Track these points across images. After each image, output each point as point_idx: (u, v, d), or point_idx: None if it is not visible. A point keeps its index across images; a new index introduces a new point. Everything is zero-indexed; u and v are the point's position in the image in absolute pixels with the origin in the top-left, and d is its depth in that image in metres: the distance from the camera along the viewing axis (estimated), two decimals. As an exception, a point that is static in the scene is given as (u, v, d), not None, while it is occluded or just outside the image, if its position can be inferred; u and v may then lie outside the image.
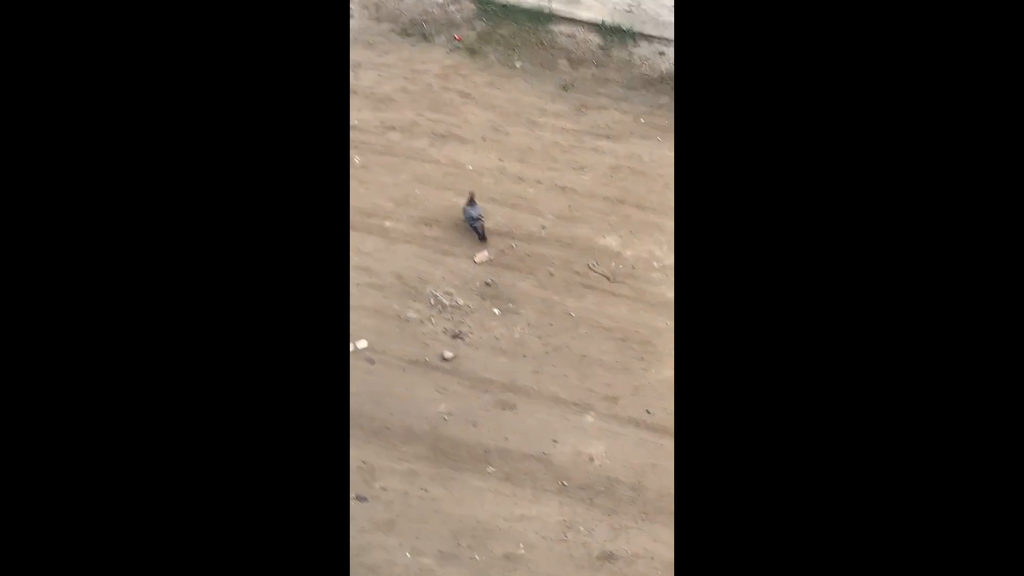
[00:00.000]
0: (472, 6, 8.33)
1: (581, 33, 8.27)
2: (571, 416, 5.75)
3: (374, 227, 6.86)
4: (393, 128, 7.69)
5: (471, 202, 6.78)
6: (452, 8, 8.32)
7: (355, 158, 7.41)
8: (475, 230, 6.76)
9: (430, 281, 6.51)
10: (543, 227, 6.88)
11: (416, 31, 8.35)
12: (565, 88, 7.93)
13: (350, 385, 5.82)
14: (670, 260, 6.60)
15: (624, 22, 8.24)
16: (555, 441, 5.61)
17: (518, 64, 8.22)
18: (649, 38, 8.19)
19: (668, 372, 5.95)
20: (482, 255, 6.68)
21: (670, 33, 8.15)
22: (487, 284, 6.49)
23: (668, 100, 7.76)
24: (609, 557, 5.11)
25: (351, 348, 6.04)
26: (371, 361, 5.99)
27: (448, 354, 6.04)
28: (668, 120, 7.61)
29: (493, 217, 6.93)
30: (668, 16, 8.03)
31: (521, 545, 5.13)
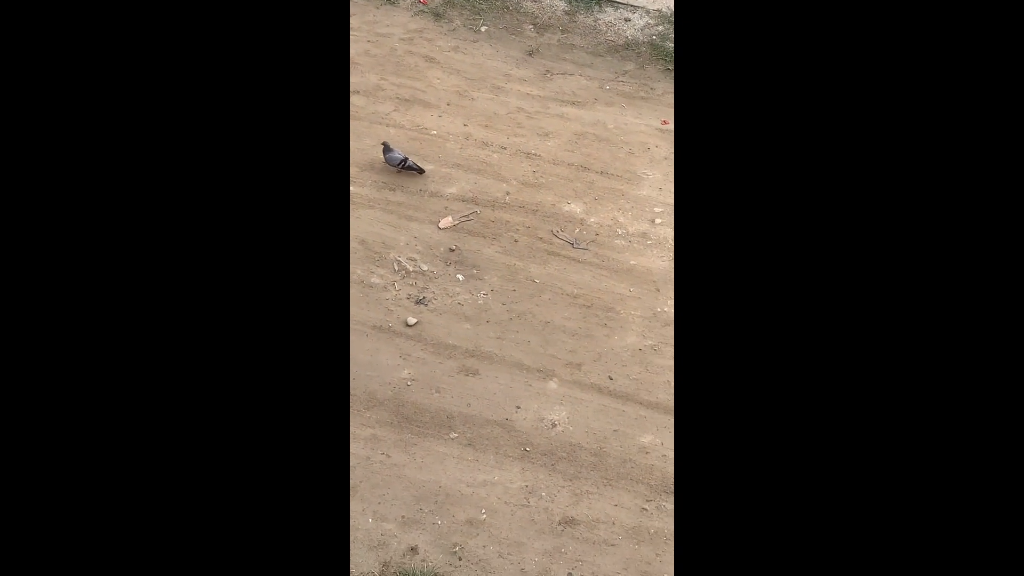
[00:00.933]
0: (437, -31, 8.25)
1: (547, -2, 8.22)
2: (534, 382, 5.77)
3: (337, 192, 6.82)
4: (357, 92, 7.62)
5: (387, 149, 6.86)
6: (417, -29, 8.24)
7: (318, 122, 7.34)
8: (411, 168, 6.89)
9: (394, 247, 6.49)
10: (507, 193, 6.86)
11: (381, -6, 8.27)
12: (530, 53, 7.89)
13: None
14: (633, 227, 6.62)
15: (590, -13, 8.20)
16: (518, 407, 5.63)
17: (483, 29, 8.16)
18: (615, 4, 8.16)
19: (631, 339, 5.98)
20: (446, 221, 6.66)
21: (636, 0, 8.13)
22: (451, 250, 6.48)
23: (633, 67, 7.74)
24: (571, 522, 5.15)
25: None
26: (334, 327, 5.98)
27: (411, 320, 6.04)
28: (632, 87, 7.60)
29: (458, 183, 6.90)
30: (634, -18, 8.00)
31: (483, 510, 5.16)
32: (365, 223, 6.62)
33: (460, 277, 6.33)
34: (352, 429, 5.44)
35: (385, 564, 4.89)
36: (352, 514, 5.06)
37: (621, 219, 6.68)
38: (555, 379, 5.79)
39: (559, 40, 7.99)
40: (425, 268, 6.37)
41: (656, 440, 5.50)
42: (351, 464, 5.28)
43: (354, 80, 7.71)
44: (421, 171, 6.91)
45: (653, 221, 6.66)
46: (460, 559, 4.94)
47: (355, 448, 5.36)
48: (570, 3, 8.13)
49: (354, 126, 7.33)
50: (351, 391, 5.62)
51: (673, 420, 5.39)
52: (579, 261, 6.43)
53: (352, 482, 5.20)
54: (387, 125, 7.35)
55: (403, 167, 6.85)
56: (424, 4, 8.24)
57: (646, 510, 5.21)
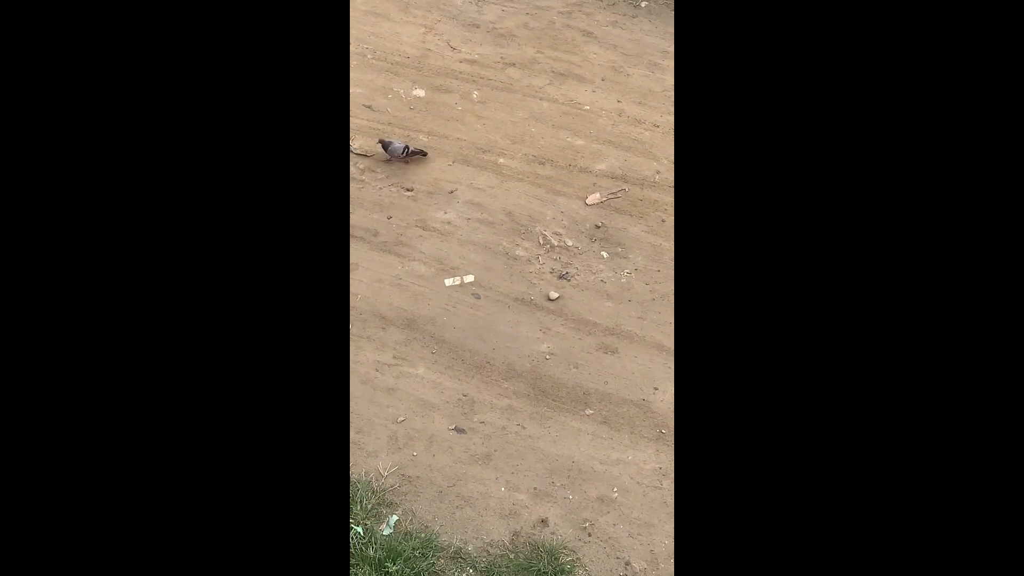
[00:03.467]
0: (600, -58, 8.19)
1: (710, -26, 8.07)
2: (673, 364, 5.70)
3: (488, 163, 6.87)
4: (513, 64, 7.65)
5: (386, 144, 6.81)
6: (579, -56, 8.19)
7: (473, 93, 7.40)
8: (416, 154, 6.84)
9: (540, 220, 6.50)
10: (657, 172, 6.78)
11: (541, -34, 8.26)
12: (690, 31, 7.75)
13: (454, 318, 5.88)
14: (786, 213, 6.45)
15: (756, -36, 7.99)
16: (656, 388, 5.58)
17: (643, 4, 8.06)
18: (781, -18, 7.94)
19: (776, 327, 5.85)
20: (594, 197, 6.63)
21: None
22: (597, 227, 6.45)
23: (796, 47, 7.52)
24: (703, 507, 5.09)
25: (459, 282, 6.10)
26: (477, 296, 6.04)
27: (554, 294, 6.04)
28: (795, 68, 7.39)
29: (607, 159, 6.85)
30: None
31: (615, 489, 5.14)
32: (513, 195, 6.65)
33: (604, 254, 6.29)
34: (489, 399, 5.49)
35: (515, 533, 4.93)
36: (485, 482, 5.12)
37: (773, 204, 6.51)
38: (695, 363, 5.70)
39: (720, 18, 7.82)
40: (570, 243, 6.36)
41: (796, 432, 5.37)
42: (487, 433, 5.34)
43: (511, 52, 7.74)
44: (424, 153, 6.88)
45: (807, 207, 6.47)
46: (590, 535, 4.94)
47: (491, 417, 5.41)
48: (733, -20, 7.95)
49: (507, 98, 7.36)
50: (491, 361, 5.68)
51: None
52: (727, 244, 6.30)
53: (487, 450, 5.26)
54: (540, 99, 7.35)
55: (408, 154, 6.80)
56: (584, -22, 8.19)
57: (782, 502, 5.10)
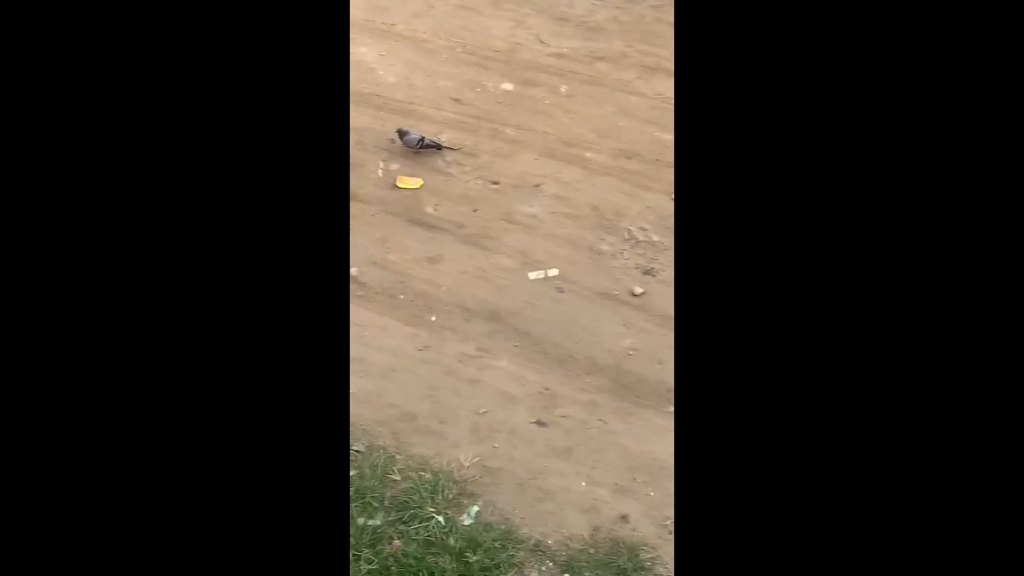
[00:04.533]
0: (692, -64, 8.11)
1: (805, -32, 7.92)
2: (759, 363, 5.62)
3: (574, 157, 6.85)
4: (602, 59, 7.63)
5: (403, 134, 6.72)
6: (671, -63, 8.12)
7: (561, 87, 7.40)
8: (432, 146, 6.75)
9: (626, 215, 6.47)
10: (747, 168, 6.69)
11: (632, -40, 8.20)
12: (783, 25, 7.63)
13: (537, 312, 5.88)
14: (879, 211, 6.30)
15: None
16: (740, 387, 5.51)
17: (735, -2, 7.96)
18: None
19: (866, 327, 5.72)
20: (681, 193, 6.57)
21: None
22: (684, 222, 6.39)
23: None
24: (786, 509, 5.00)
25: (543, 276, 6.10)
26: (561, 290, 6.03)
27: (638, 290, 6.01)
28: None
29: (696, 155, 6.79)
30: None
31: (697, 487, 5.09)
32: (599, 189, 6.63)
33: (691, 250, 6.23)
34: (571, 392, 5.49)
35: (596, 528, 4.92)
36: (565, 475, 5.11)
37: (866, 202, 6.38)
38: (782, 362, 5.61)
39: (814, 12, 7.68)
40: (655, 239, 6.32)
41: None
42: (568, 427, 5.33)
43: (600, 46, 7.71)
44: (440, 147, 6.78)
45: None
46: (670, 533, 4.91)
47: (573, 411, 5.40)
48: (829, -26, 7.80)
49: (596, 92, 7.34)
50: (573, 355, 5.67)
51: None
52: (817, 243, 6.19)
53: (568, 444, 5.25)
54: (628, 93, 7.31)
55: (421, 146, 6.73)
56: (675, -29, 8.13)
57: (869, 507, 4.99)
